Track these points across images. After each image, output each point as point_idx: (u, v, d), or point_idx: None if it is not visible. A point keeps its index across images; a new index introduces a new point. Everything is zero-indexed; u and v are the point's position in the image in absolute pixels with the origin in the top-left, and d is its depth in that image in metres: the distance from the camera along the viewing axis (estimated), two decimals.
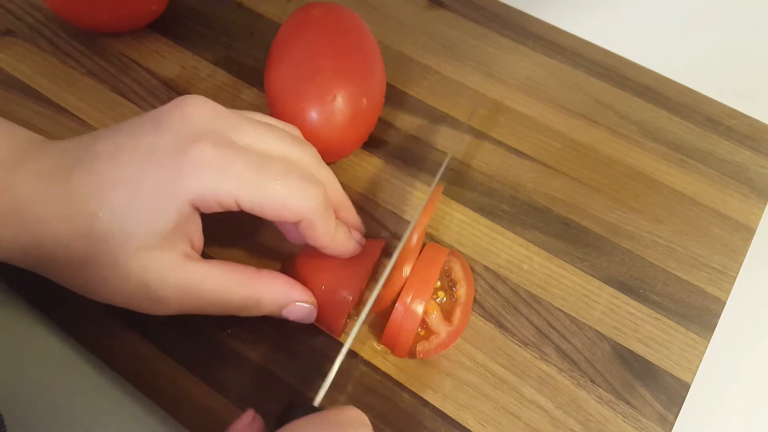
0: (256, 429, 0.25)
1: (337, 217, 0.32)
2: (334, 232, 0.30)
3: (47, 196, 0.26)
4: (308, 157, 0.30)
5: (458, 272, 0.33)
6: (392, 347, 0.31)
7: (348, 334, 0.28)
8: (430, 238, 0.36)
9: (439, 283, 0.33)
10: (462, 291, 0.33)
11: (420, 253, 0.32)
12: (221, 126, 0.27)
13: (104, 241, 0.26)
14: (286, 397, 0.31)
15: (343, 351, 0.27)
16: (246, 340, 0.32)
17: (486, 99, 0.41)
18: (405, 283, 0.31)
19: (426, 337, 0.32)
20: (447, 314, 0.32)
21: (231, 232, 0.35)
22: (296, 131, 0.32)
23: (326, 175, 0.31)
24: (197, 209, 0.27)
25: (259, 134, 0.28)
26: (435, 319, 0.32)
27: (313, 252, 0.31)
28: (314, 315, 0.31)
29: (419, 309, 0.30)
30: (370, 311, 0.30)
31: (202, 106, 0.27)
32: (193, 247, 0.28)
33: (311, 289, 0.31)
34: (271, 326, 0.32)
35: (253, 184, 0.26)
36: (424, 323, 0.32)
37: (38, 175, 0.26)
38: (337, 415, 0.24)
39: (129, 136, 0.27)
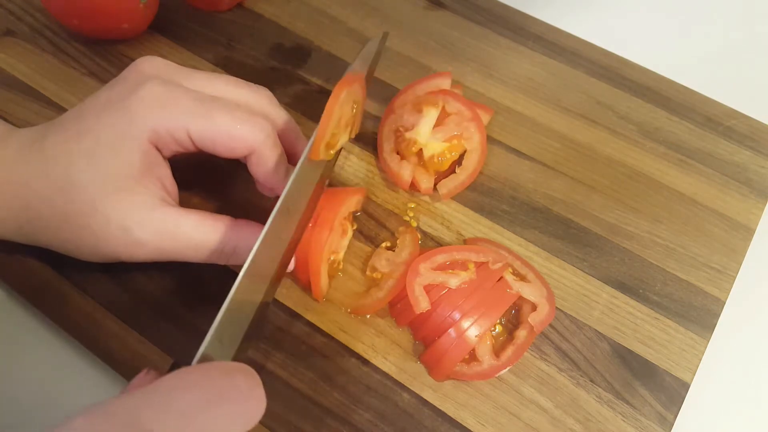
0: (151, 378, 0.25)
1: (296, 157, 0.33)
2: (285, 171, 0.31)
3: (28, 162, 0.29)
4: (261, 99, 0.31)
5: (527, 313, 0.32)
6: (430, 368, 0.31)
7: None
8: (436, 242, 0.36)
9: (504, 319, 0.32)
10: (523, 333, 0.31)
11: (498, 279, 0.31)
12: (171, 74, 0.30)
13: (81, 189, 0.28)
14: None
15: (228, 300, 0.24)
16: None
17: (486, 99, 0.41)
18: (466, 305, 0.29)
19: (467, 361, 0.31)
20: (497, 348, 0.31)
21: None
22: (268, 95, 0.32)
23: (281, 114, 0.32)
24: (158, 150, 0.29)
25: (209, 79, 0.30)
26: (484, 348, 0.30)
27: None
28: (293, 263, 0.31)
29: (473, 338, 0.29)
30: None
31: (153, 61, 0.30)
32: (167, 192, 0.30)
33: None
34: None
35: (201, 116, 0.28)
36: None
37: (19, 148, 0.29)
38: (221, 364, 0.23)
39: (92, 96, 0.30)
